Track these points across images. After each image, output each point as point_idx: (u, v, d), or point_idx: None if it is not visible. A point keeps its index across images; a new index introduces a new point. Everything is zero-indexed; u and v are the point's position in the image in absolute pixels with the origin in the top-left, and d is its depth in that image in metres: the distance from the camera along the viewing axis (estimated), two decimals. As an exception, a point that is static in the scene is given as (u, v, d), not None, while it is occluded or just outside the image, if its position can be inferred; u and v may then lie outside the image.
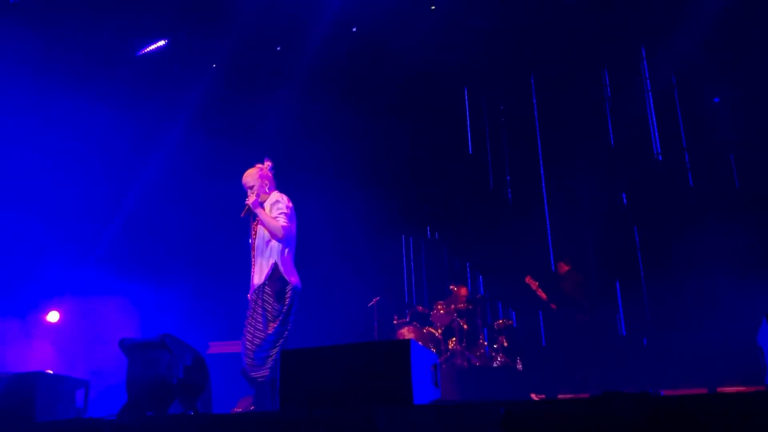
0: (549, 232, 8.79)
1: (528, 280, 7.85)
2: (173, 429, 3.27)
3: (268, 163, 4.92)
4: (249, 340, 4.46)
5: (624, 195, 8.27)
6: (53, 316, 7.78)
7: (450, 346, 7.78)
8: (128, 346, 4.00)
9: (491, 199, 9.31)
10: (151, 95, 8.30)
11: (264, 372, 4.40)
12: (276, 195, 4.79)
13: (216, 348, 7.31)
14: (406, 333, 7.73)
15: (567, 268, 7.73)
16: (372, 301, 8.18)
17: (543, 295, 7.82)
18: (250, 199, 4.67)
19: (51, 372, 6.63)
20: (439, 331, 7.89)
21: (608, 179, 8.25)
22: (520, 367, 7.51)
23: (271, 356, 4.42)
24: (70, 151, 7.91)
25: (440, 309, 7.95)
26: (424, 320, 8.11)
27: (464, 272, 9.08)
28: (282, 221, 4.62)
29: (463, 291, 8.14)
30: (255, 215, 4.72)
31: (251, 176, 4.80)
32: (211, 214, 8.51)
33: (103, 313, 7.70)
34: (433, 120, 9.37)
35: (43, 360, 6.94)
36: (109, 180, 8.27)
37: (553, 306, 7.77)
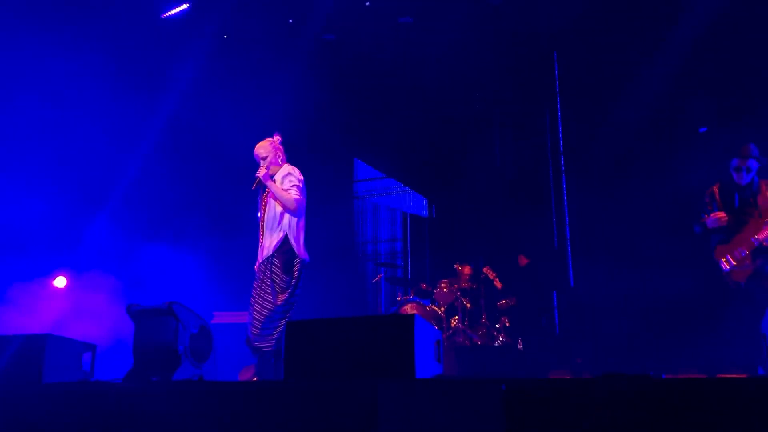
0: (554, 213, 8.77)
1: (486, 270, 7.96)
2: (178, 395, 3.32)
3: (277, 137, 4.95)
4: (257, 311, 4.51)
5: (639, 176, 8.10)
6: (60, 282, 7.82)
7: (452, 325, 7.81)
8: (135, 312, 4.05)
9: (497, 176, 9.26)
10: (159, 52, 8.23)
11: (269, 343, 4.46)
12: (288, 167, 4.83)
13: (220, 318, 7.37)
14: (410, 310, 7.75)
15: (526, 261, 7.83)
16: (376, 277, 8.21)
17: (498, 285, 7.89)
18: (261, 172, 4.69)
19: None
20: (442, 309, 7.91)
21: (625, 159, 8.11)
22: (521, 347, 7.55)
23: (278, 327, 4.47)
24: (73, 108, 7.86)
25: (444, 287, 7.96)
26: (427, 298, 8.13)
27: (469, 251, 9.08)
28: (294, 194, 4.66)
29: (467, 270, 8.17)
30: (265, 188, 4.75)
31: (263, 148, 4.84)
32: (220, 183, 8.51)
33: (109, 279, 7.75)
34: (439, 90, 9.23)
35: (49, 325, 7.00)
36: (115, 143, 8.23)
37: (499, 286, 7.87)
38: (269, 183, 4.68)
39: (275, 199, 4.67)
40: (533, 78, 8.90)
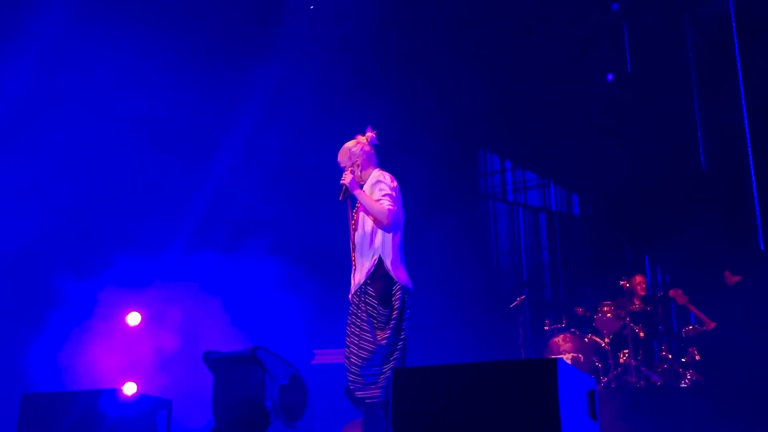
0: (757, 206, 8.32)
1: (672, 293, 7.72)
2: (267, 462, 3.47)
3: (370, 134, 5.01)
4: (354, 354, 4.58)
5: None
6: (134, 319, 8.30)
7: (621, 360, 7.67)
8: (213, 360, 4.27)
9: (675, 158, 8.91)
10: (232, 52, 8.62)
11: (375, 392, 4.52)
12: (377, 173, 4.89)
13: (323, 357, 7.56)
14: (561, 342, 7.70)
15: (736, 278, 7.40)
16: (516, 300, 8.15)
17: (697, 312, 7.64)
18: (347, 178, 4.78)
19: (135, 386, 7.19)
20: (606, 340, 7.79)
21: None
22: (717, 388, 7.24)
23: (383, 373, 4.53)
24: (145, 118, 8.35)
25: (607, 311, 7.82)
26: (585, 326, 8.00)
27: (639, 262, 8.81)
28: (387, 204, 4.70)
29: (639, 279, 7.95)
30: (354, 200, 4.84)
31: (345, 152, 4.97)
32: (317, 192, 8.74)
33: (192, 315, 8.14)
34: (583, 47, 9.05)
35: (121, 374, 7.48)
36: (194, 150, 8.66)
37: (711, 325, 7.58)
38: (357, 192, 4.76)
39: (366, 213, 4.74)
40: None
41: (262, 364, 4.11)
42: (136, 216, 8.26)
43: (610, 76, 8.76)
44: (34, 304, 7.41)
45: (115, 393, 4.28)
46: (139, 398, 4.58)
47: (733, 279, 7.54)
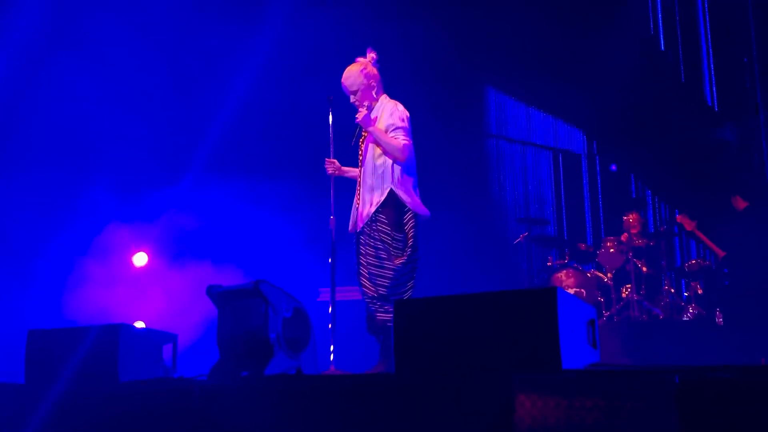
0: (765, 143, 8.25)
1: (680, 219, 7.67)
2: (272, 391, 3.51)
3: (371, 55, 4.86)
4: (369, 279, 4.60)
5: None
6: (140, 259, 8.36)
7: (624, 295, 7.70)
8: (217, 294, 4.28)
9: (682, 98, 8.81)
10: None
11: None
12: (387, 102, 4.79)
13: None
14: (564, 278, 7.71)
15: (745, 204, 7.33)
16: (519, 237, 8.17)
17: (705, 239, 7.62)
18: (361, 114, 4.68)
19: (143, 324, 7.28)
20: (609, 275, 7.80)
21: None
22: (720, 321, 7.27)
23: (405, 294, 4.55)
24: (151, 47, 8.26)
25: (610, 247, 7.82)
26: (588, 261, 8.02)
27: (643, 198, 8.79)
28: (402, 138, 4.63)
29: (633, 219, 7.95)
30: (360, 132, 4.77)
31: (353, 76, 4.77)
32: (338, 128, 8.66)
33: (199, 254, 8.18)
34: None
35: (129, 313, 7.56)
36: (205, 81, 8.56)
37: (721, 253, 7.54)
38: (372, 129, 4.67)
39: (377, 144, 4.68)
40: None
41: (265, 297, 4.11)
42: (148, 150, 8.24)
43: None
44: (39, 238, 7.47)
45: (121, 328, 4.32)
46: (145, 332, 4.62)
47: (742, 204, 7.49)
